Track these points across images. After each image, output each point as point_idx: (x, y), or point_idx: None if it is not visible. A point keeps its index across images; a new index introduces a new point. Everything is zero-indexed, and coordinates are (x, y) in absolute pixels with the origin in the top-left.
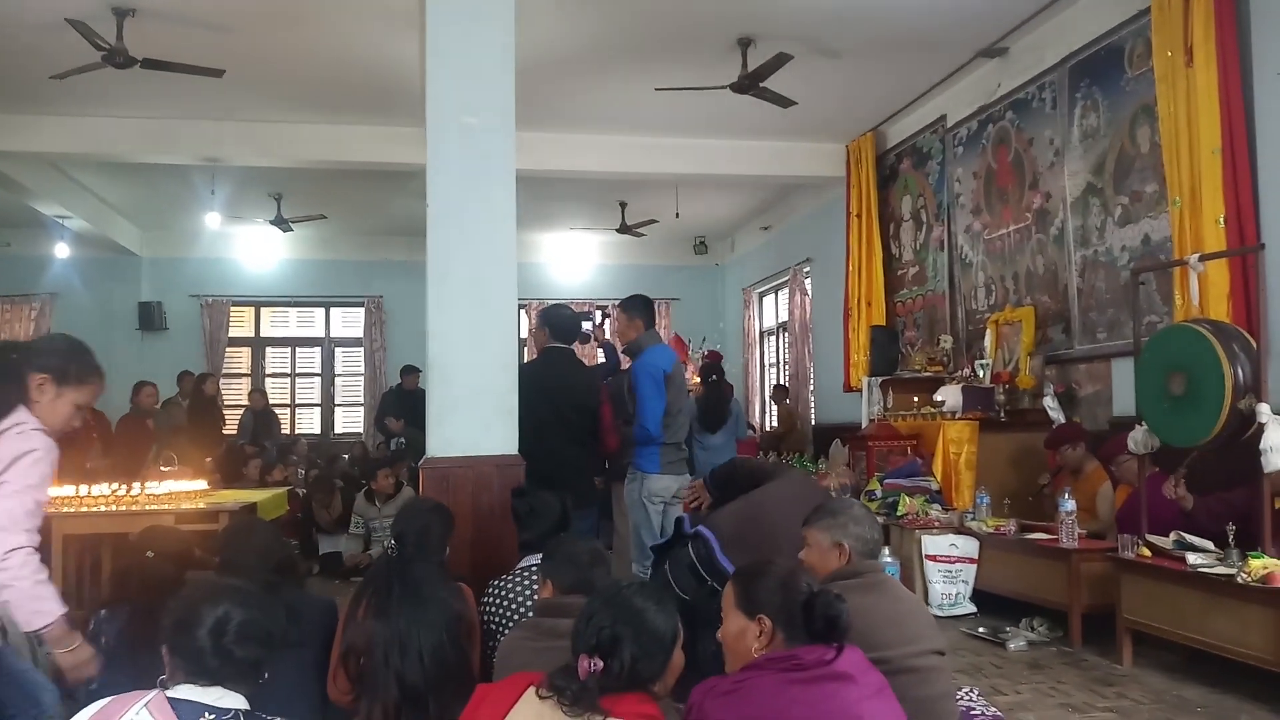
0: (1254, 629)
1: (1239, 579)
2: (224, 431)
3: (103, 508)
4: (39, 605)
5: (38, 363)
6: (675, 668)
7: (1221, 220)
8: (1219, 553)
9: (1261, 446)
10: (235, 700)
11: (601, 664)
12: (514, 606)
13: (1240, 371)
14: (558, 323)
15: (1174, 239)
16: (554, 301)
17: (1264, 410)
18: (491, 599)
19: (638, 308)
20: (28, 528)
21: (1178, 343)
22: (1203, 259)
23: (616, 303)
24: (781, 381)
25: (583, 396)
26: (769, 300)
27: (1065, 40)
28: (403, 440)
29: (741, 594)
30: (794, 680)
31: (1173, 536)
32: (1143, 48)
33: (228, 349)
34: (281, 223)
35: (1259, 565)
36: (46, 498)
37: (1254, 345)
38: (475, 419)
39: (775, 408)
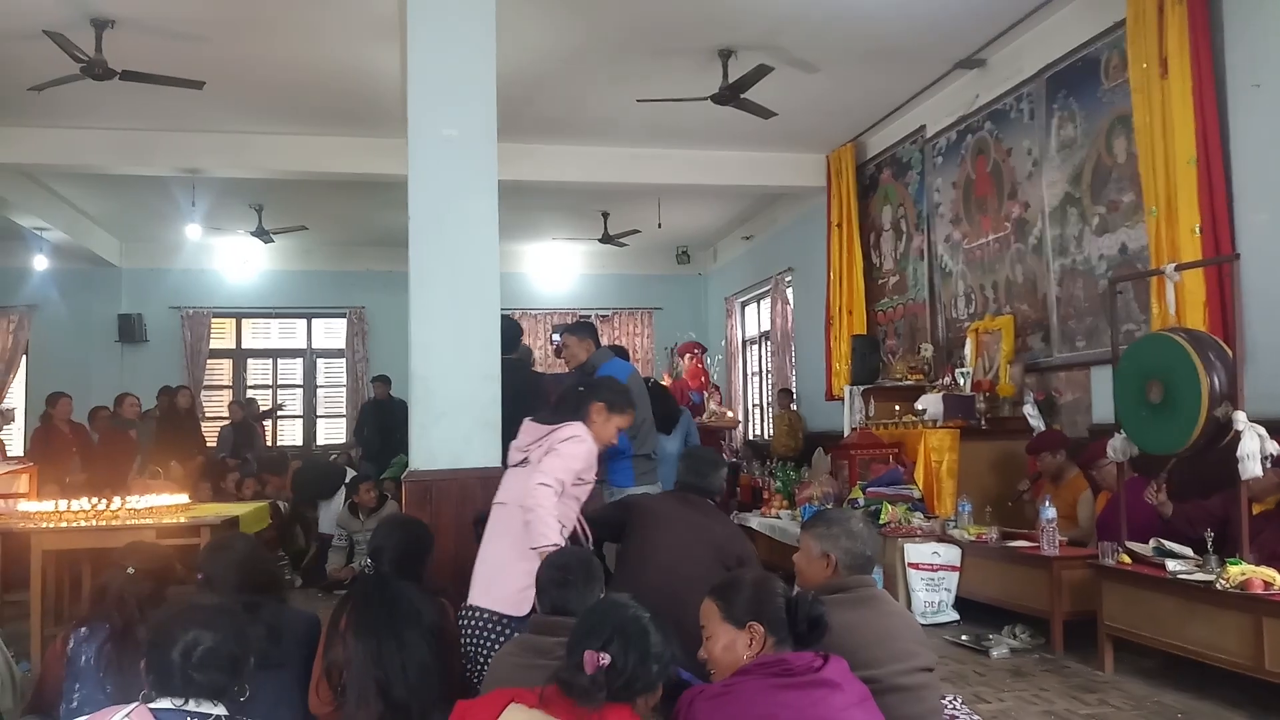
0: (1232, 634)
1: (1217, 585)
2: (206, 444)
3: (82, 523)
4: (545, 530)
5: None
6: (657, 693)
7: (1197, 230)
8: (1198, 559)
9: (1238, 454)
10: (214, 708)
11: (609, 660)
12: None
13: (1216, 379)
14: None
15: (1151, 248)
16: (536, 312)
17: (1240, 418)
18: (465, 619)
19: (583, 329)
20: (559, 477)
21: (1155, 351)
22: (1179, 268)
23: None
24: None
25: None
26: (751, 309)
27: (1042, 52)
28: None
29: (725, 607)
30: (782, 685)
31: (1152, 543)
32: (1118, 59)
33: (209, 361)
34: (262, 234)
35: (1237, 571)
36: (572, 477)
37: (1230, 353)
38: (458, 431)
39: (778, 412)
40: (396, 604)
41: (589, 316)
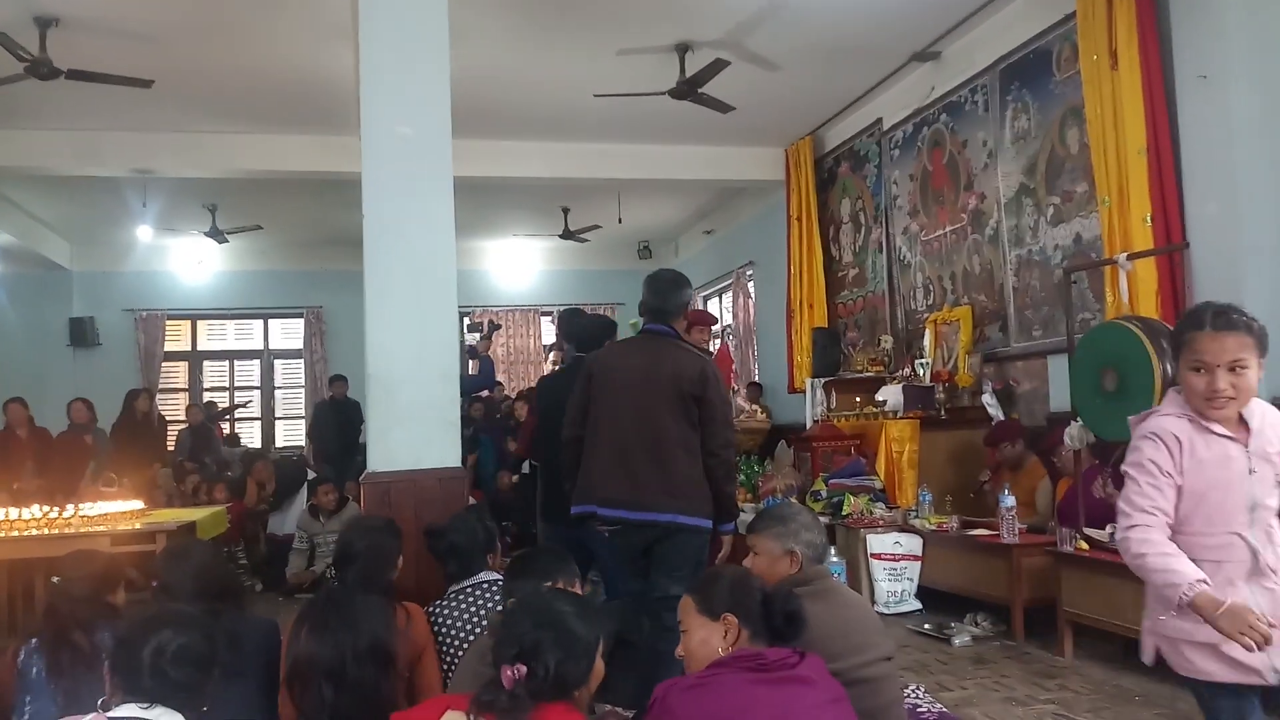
0: None
1: None
2: (165, 450)
3: (34, 531)
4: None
5: None
6: (597, 674)
7: (1148, 219)
8: None
9: None
10: (175, 717)
11: (525, 670)
12: (460, 627)
13: (1169, 366)
14: (577, 332)
15: (1104, 238)
16: (497, 309)
17: None
18: (434, 619)
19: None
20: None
21: (1109, 339)
22: (1131, 257)
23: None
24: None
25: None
26: (713, 303)
27: (995, 44)
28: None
29: (702, 600)
30: (758, 679)
31: (1108, 529)
32: (1069, 51)
33: (164, 363)
34: (217, 234)
35: None
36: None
37: None
38: (417, 432)
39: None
40: (354, 609)
41: (551, 313)
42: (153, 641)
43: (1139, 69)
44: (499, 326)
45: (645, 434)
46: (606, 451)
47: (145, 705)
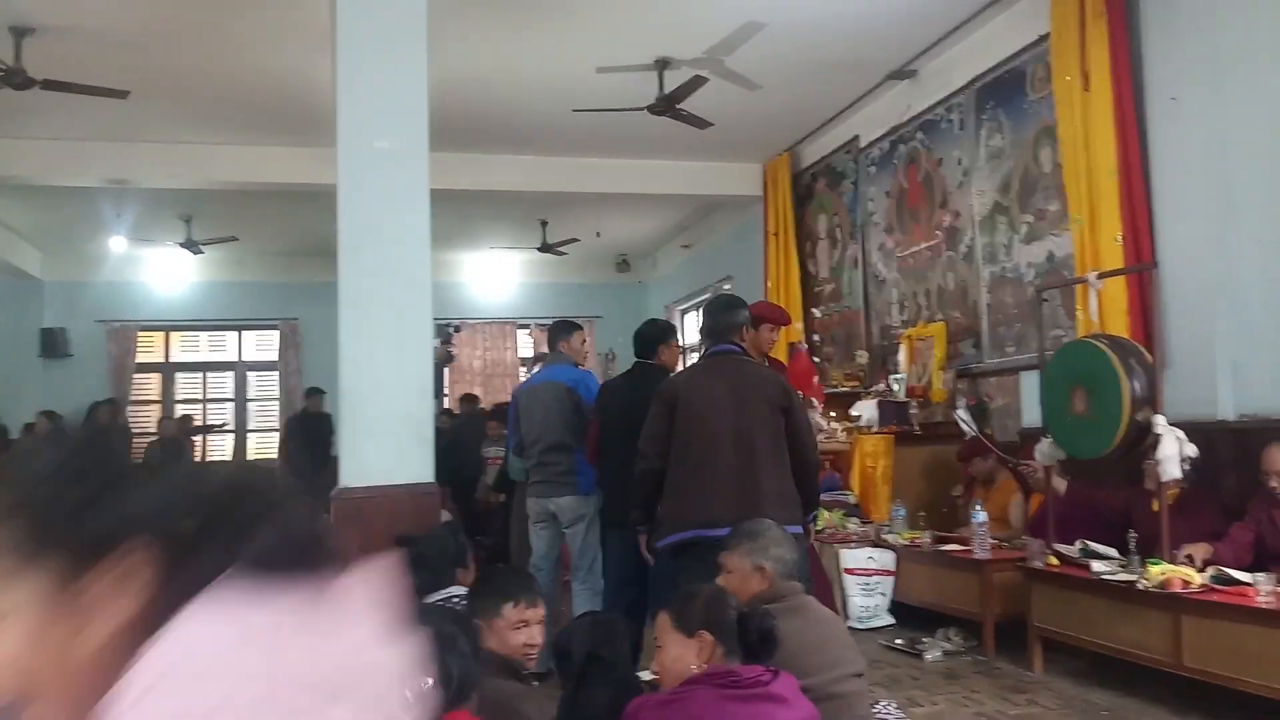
0: (1154, 633)
1: (1139, 585)
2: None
3: None
4: None
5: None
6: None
7: (1119, 238)
8: (1122, 560)
9: (1157, 456)
10: None
11: (431, 680)
12: None
13: (1137, 385)
14: (636, 339)
15: (1076, 256)
16: (475, 321)
17: (1160, 421)
18: None
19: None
20: None
21: (1079, 358)
22: (1101, 276)
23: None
24: None
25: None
26: (691, 317)
27: (971, 63)
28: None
29: (677, 617)
30: (730, 696)
31: (1078, 545)
32: (1043, 72)
33: (135, 375)
34: (191, 245)
35: (1157, 571)
36: None
37: (1149, 359)
38: (390, 447)
39: None
40: None
41: (528, 326)
42: None
43: (1111, 90)
44: (457, 329)
45: (744, 452)
46: (708, 474)
47: None
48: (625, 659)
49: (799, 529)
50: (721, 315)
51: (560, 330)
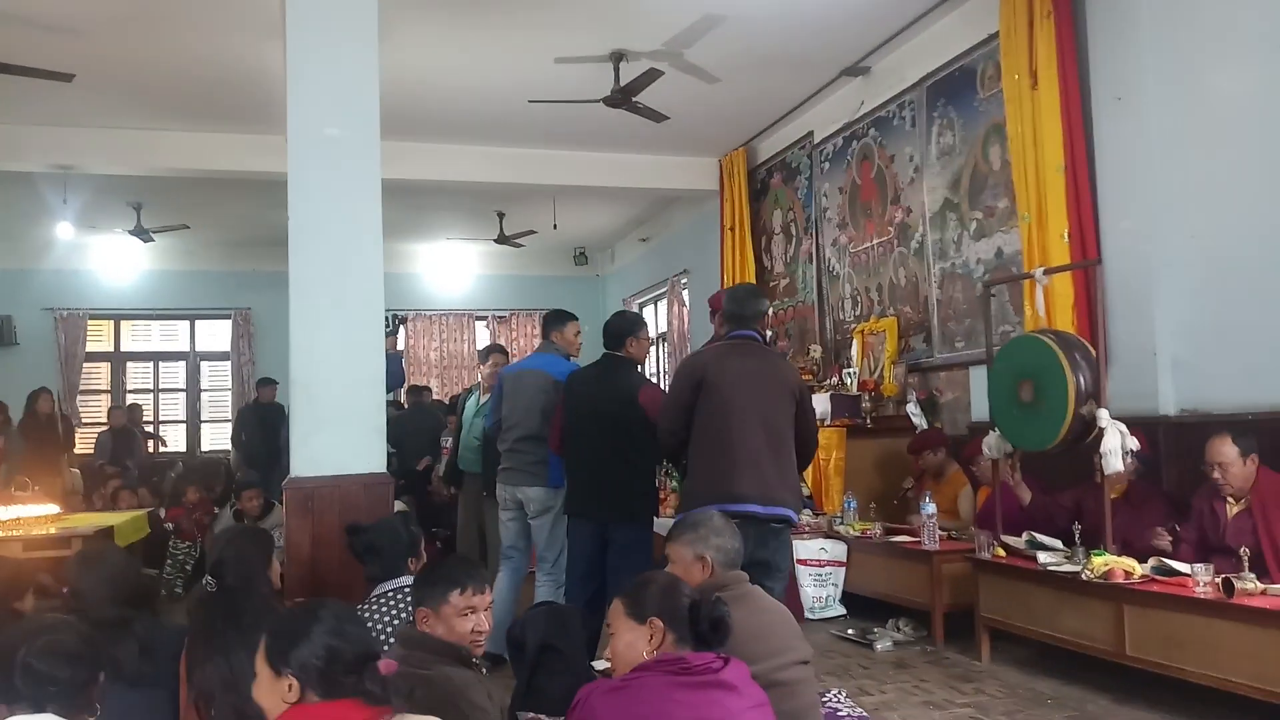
0: (1097, 623)
1: (1083, 576)
2: (74, 451)
3: None
4: None
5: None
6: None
7: (1065, 235)
8: (1066, 551)
9: (1101, 449)
10: None
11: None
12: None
13: (1082, 379)
14: (605, 331)
15: (1024, 253)
16: (431, 313)
17: (1104, 416)
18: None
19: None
20: None
21: (1025, 352)
22: (1047, 272)
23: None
24: None
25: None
26: (649, 311)
27: (923, 61)
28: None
29: (630, 604)
30: (680, 683)
31: (1025, 536)
32: (993, 70)
33: (85, 364)
34: (142, 233)
35: (1100, 562)
36: None
37: (1094, 354)
38: (342, 437)
39: None
40: (241, 618)
41: (486, 318)
42: (24, 646)
43: (1058, 89)
44: (405, 320)
45: (771, 433)
46: (737, 450)
47: (31, 713)
48: (579, 649)
49: (794, 517)
50: (748, 303)
51: (553, 320)
